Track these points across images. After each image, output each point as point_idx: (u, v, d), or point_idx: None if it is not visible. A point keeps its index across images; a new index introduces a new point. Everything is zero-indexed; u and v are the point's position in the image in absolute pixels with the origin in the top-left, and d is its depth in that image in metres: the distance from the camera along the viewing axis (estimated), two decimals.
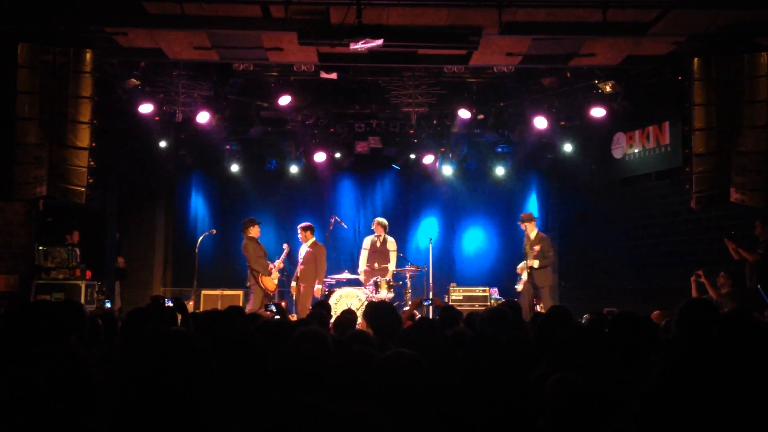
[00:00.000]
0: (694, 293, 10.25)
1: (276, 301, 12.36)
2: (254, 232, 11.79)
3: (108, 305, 11.71)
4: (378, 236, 12.74)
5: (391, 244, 12.76)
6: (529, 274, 11.69)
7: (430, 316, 11.39)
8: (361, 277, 12.61)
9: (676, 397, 1.99)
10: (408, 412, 2.28)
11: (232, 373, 2.96)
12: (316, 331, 3.63)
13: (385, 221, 12.83)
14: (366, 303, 10.59)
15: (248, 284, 11.87)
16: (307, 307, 10.91)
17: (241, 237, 11.98)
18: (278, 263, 11.93)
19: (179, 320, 6.30)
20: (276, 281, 11.81)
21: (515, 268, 12.66)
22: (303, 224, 12.34)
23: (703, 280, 10.30)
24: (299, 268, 11.94)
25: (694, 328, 3.75)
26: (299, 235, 12.25)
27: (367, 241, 12.94)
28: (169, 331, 2.39)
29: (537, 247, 11.65)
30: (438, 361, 3.86)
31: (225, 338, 3.20)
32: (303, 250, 12.13)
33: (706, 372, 2.00)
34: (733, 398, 1.97)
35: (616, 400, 2.94)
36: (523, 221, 12.07)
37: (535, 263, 11.64)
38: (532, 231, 11.94)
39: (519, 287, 12.13)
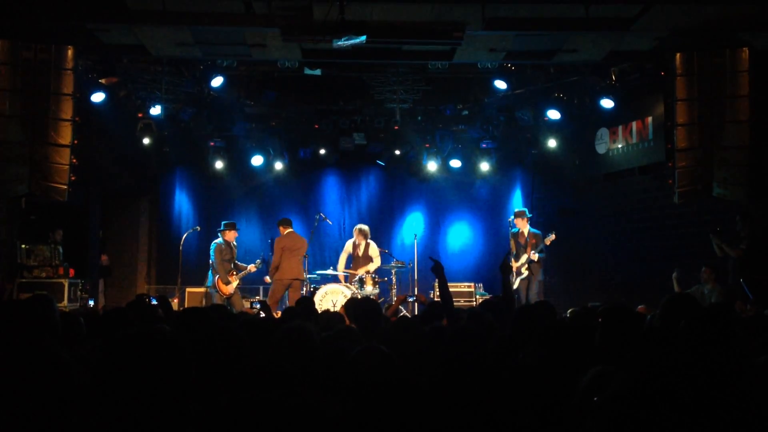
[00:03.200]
0: (677, 289, 10.33)
1: (261, 298, 12.37)
2: (230, 236, 11.80)
3: (91, 303, 11.66)
4: (358, 244, 12.63)
5: (374, 250, 12.68)
6: (529, 268, 11.87)
7: (416, 312, 11.41)
8: (340, 275, 12.56)
9: (637, 401, 2.01)
10: (375, 409, 2.28)
11: (210, 370, 2.95)
12: (302, 327, 3.61)
13: (366, 228, 12.70)
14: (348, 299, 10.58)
15: (208, 284, 11.90)
16: None
17: (217, 235, 11.97)
18: (252, 267, 11.88)
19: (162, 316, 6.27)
20: (234, 286, 11.74)
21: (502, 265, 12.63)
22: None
23: (674, 277, 10.45)
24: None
25: (675, 323, 3.76)
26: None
27: (349, 244, 12.83)
28: (149, 331, 2.38)
29: (533, 241, 11.88)
30: (418, 356, 3.86)
31: (205, 336, 3.18)
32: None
33: (669, 379, 2.01)
34: (697, 403, 1.98)
35: None
36: (518, 217, 12.16)
37: (536, 256, 11.81)
38: (524, 227, 12.07)
39: (516, 284, 12.04)
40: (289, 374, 2.88)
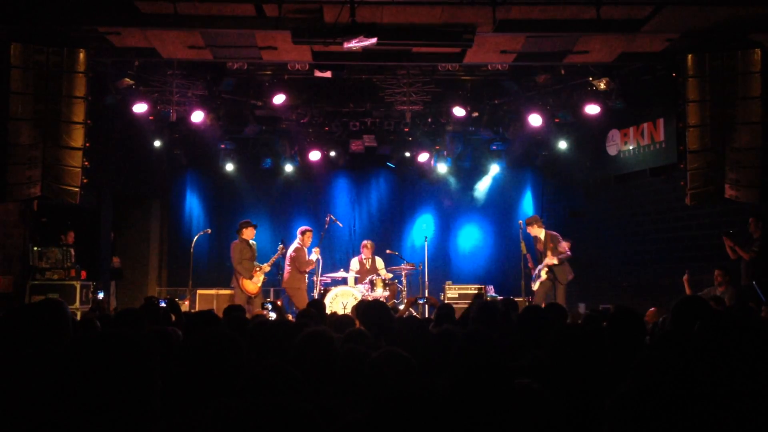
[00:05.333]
0: (687, 291, 10.29)
1: (272, 299, 12.38)
2: (247, 234, 11.78)
3: (101, 295, 11.70)
4: (366, 258, 12.73)
5: (380, 263, 12.80)
6: (551, 272, 11.70)
7: (426, 315, 11.40)
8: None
9: (650, 400, 1.99)
10: (394, 414, 2.28)
11: (214, 373, 2.94)
12: (323, 331, 3.60)
13: (373, 243, 12.89)
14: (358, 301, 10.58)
15: (232, 285, 11.90)
16: None
17: (234, 236, 11.97)
18: (266, 266, 11.89)
19: (173, 320, 6.29)
20: (260, 284, 11.76)
21: (511, 266, 12.60)
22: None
23: (685, 279, 10.41)
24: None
25: (687, 325, 3.74)
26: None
27: (354, 263, 12.93)
28: (108, 333, 2.37)
29: (551, 245, 11.73)
30: (428, 360, 3.84)
31: (208, 339, 3.17)
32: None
33: (682, 376, 2.00)
34: (708, 400, 1.97)
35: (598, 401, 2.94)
36: (530, 224, 12.02)
37: (555, 260, 11.65)
38: (540, 232, 11.92)
39: (535, 286, 11.97)
40: (297, 379, 2.88)
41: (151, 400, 2.29)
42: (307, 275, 12.13)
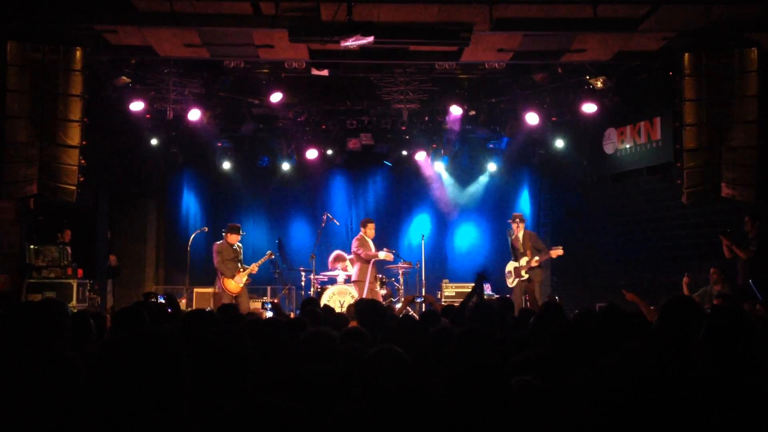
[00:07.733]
0: (685, 292, 10.30)
1: (271, 299, 12.38)
2: (232, 238, 11.73)
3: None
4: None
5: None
6: (528, 271, 11.68)
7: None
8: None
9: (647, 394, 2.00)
10: (392, 410, 2.28)
11: (216, 373, 2.94)
12: (325, 332, 3.60)
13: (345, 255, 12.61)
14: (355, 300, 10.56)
15: (216, 286, 11.83)
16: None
17: (220, 237, 11.95)
18: (254, 267, 11.86)
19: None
20: (242, 284, 11.69)
21: (507, 265, 12.55)
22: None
23: (684, 282, 10.42)
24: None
25: (675, 324, 3.76)
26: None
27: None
28: (141, 332, 2.37)
29: (529, 245, 11.70)
30: (423, 358, 3.85)
31: (209, 338, 3.17)
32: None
33: (681, 373, 2.00)
34: (708, 394, 1.98)
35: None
36: (515, 220, 12.00)
37: (537, 263, 11.63)
38: (520, 230, 11.90)
39: (512, 283, 11.97)
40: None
41: (183, 396, 2.29)
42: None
